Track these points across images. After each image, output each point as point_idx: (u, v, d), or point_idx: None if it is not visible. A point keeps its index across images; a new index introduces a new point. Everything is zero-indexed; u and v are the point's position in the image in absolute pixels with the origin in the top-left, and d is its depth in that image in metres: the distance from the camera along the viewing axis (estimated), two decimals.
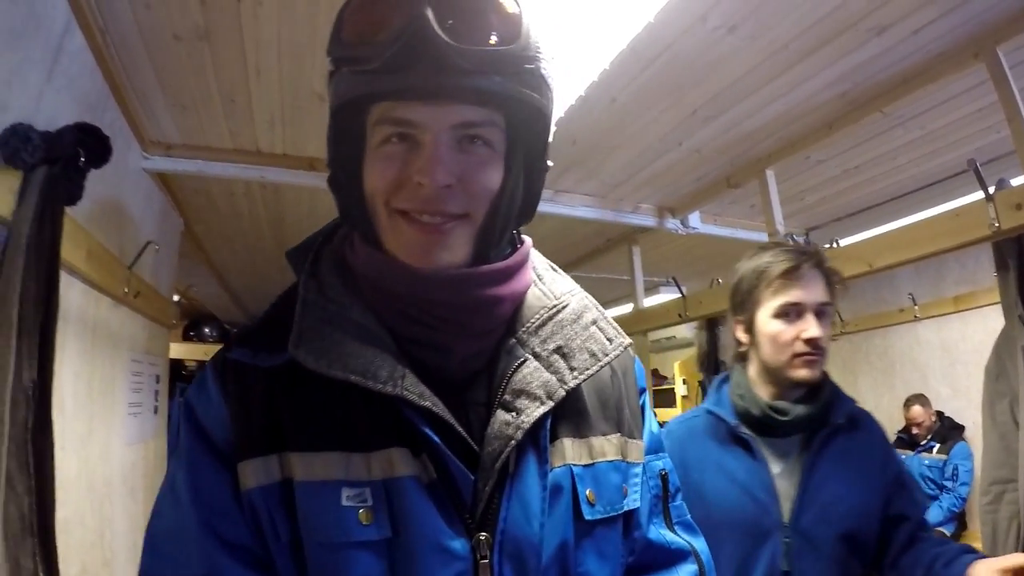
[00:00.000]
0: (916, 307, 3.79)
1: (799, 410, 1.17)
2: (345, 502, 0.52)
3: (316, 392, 0.55)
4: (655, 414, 0.79)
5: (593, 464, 0.62)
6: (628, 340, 0.67)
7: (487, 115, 0.55)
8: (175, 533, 0.56)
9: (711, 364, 3.39)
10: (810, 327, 1.14)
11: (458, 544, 0.53)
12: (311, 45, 1.56)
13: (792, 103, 2.06)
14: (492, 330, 0.61)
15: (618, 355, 0.65)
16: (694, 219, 2.97)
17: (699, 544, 0.74)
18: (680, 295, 2.76)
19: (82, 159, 1.16)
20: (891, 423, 3.76)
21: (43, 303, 1.04)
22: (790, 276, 1.17)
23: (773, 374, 1.20)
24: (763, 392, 1.22)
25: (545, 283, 0.68)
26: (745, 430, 1.20)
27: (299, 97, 1.82)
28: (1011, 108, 1.73)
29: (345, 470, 0.53)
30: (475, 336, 0.60)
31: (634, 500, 0.66)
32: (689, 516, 0.77)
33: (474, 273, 0.57)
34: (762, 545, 1.12)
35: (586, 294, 0.69)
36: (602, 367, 0.63)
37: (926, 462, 3.52)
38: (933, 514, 3.35)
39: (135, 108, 1.84)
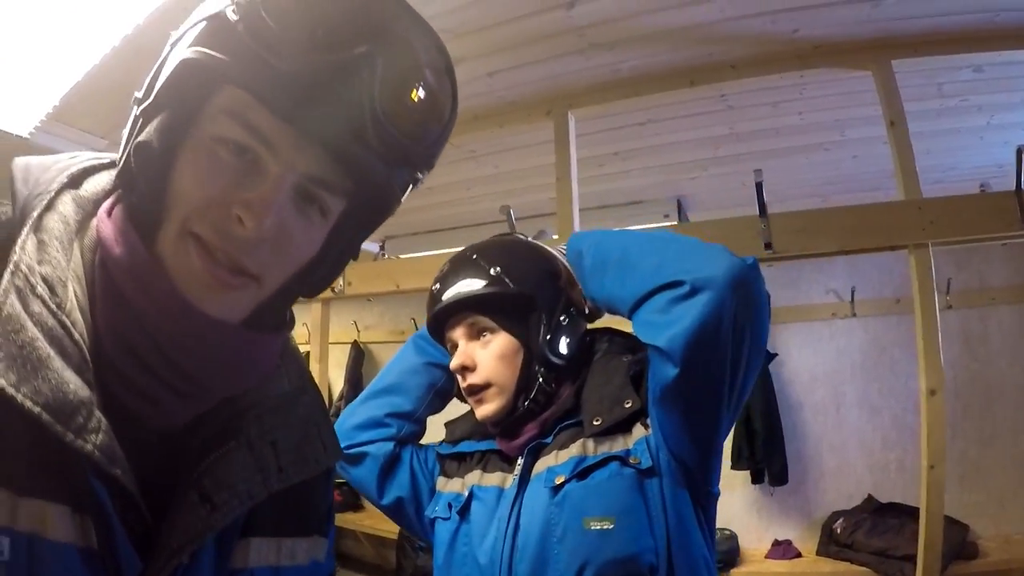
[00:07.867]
0: None
1: None
2: None
3: None
4: None
5: (279, 567, 0.54)
6: (341, 456, 0.61)
7: (340, 178, 0.46)
8: None
9: None
10: None
11: None
12: None
13: None
14: (221, 400, 0.50)
15: (328, 467, 0.59)
16: None
17: None
18: None
19: None
20: None
21: None
22: None
23: None
24: None
25: (283, 363, 0.56)
26: None
27: None
28: (563, 169, 1.92)
29: None
30: (201, 401, 0.48)
31: None
32: None
33: (256, 337, 0.49)
34: None
35: (317, 386, 0.61)
36: (310, 475, 0.54)
37: None
38: None
39: None
